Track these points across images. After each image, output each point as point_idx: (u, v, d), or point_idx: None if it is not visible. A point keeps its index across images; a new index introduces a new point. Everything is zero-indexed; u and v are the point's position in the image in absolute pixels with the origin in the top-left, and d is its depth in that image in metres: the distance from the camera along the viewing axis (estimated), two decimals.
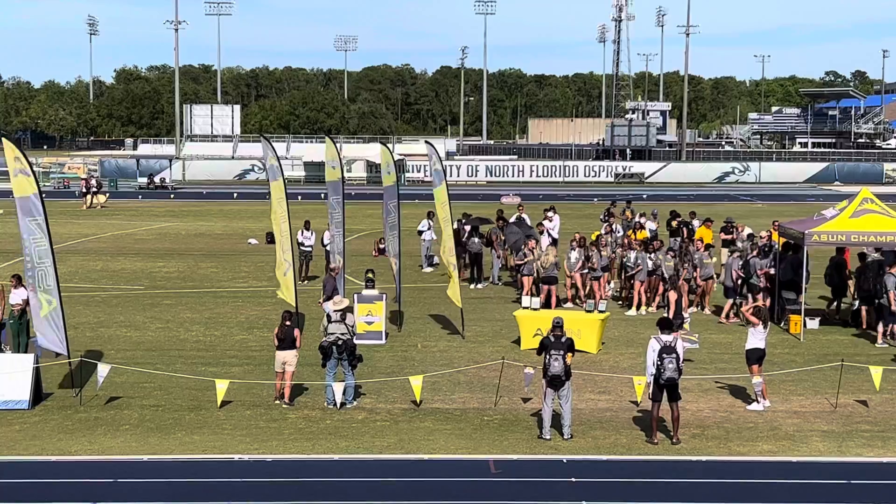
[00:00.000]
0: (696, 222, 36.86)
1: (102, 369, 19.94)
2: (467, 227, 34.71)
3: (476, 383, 21.59)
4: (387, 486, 15.98)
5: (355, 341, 20.36)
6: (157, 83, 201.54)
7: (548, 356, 17.89)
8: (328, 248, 31.60)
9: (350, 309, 21.02)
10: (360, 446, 17.59)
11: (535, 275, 29.31)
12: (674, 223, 37.56)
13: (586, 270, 29.85)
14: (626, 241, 31.68)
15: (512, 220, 36.47)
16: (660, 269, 28.74)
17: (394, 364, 23.31)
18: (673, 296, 25.69)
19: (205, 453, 17.23)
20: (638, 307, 29.11)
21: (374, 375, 21.79)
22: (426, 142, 31.03)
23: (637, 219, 38.16)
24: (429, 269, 36.20)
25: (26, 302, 22.65)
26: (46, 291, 20.70)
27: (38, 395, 20.10)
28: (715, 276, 30.12)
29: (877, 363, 21.78)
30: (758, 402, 19.95)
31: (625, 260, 29.83)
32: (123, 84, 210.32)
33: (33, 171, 20.83)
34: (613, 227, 36.41)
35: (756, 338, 20.11)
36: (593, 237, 33.68)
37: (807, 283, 27.17)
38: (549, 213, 38.03)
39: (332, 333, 19.98)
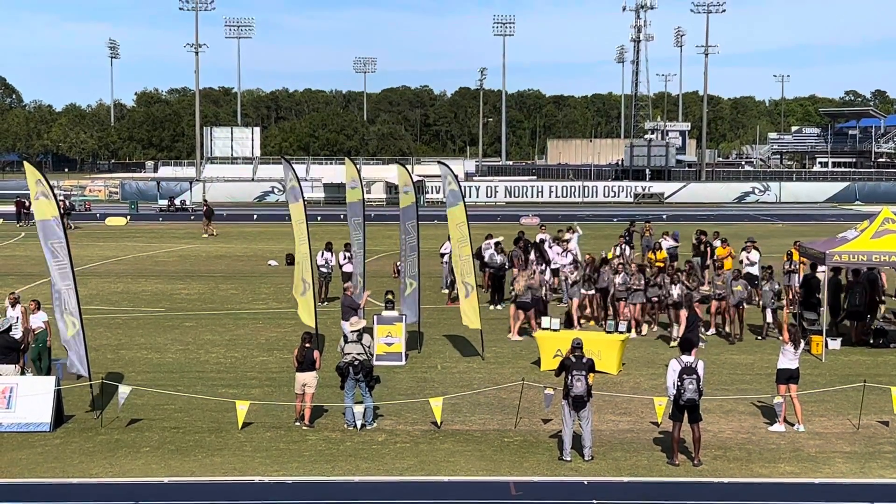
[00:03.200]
0: (717, 242, 36.72)
1: (123, 391, 19.99)
2: (489, 247, 34.77)
3: (496, 405, 21.54)
4: None
5: (374, 362, 20.33)
6: (177, 106, 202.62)
7: (570, 377, 17.86)
8: (344, 268, 31.74)
9: (367, 329, 21.03)
10: (380, 468, 17.57)
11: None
12: (702, 240, 37.44)
13: (593, 291, 29.89)
14: (618, 263, 31.31)
15: (537, 239, 36.56)
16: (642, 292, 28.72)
17: (413, 385, 23.29)
18: (683, 314, 25.55)
19: (225, 475, 17.23)
20: (630, 328, 28.52)
21: (394, 397, 21.78)
22: (439, 162, 31.01)
23: (660, 239, 38.04)
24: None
25: (47, 324, 22.79)
26: (69, 313, 20.80)
27: (59, 418, 20.16)
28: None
29: None
30: (779, 423, 19.82)
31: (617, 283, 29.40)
32: (144, 107, 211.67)
33: (54, 195, 20.95)
34: (622, 248, 36.26)
35: (786, 357, 20.02)
36: (610, 256, 33.64)
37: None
38: (566, 234, 38.01)
39: (348, 354, 19.98)
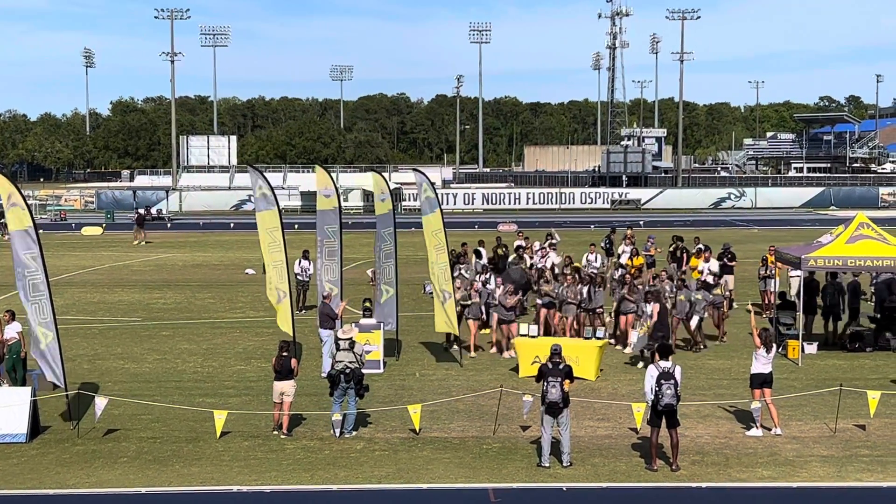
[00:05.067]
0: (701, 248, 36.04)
1: (100, 402, 19.89)
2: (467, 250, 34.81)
3: (474, 411, 21.54)
4: None
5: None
6: (153, 115, 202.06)
7: (546, 383, 17.89)
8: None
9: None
10: (358, 476, 17.54)
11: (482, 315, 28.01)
12: (678, 246, 37.32)
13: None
14: (547, 271, 30.84)
15: (514, 245, 36.61)
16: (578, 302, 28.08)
17: (392, 393, 23.26)
18: (655, 308, 25.44)
19: (203, 485, 17.15)
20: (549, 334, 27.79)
21: (373, 405, 21.73)
22: (415, 170, 30.95)
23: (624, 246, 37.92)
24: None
25: (21, 335, 22.63)
26: (42, 324, 20.65)
27: (35, 428, 20.03)
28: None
29: (875, 387, 21.77)
30: (756, 427, 19.90)
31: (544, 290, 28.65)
32: (120, 116, 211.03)
33: (27, 204, 20.79)
34: (587, 256, 36.10)
35: (759, 362, 20.08)
36: (578, 265, 33.44)
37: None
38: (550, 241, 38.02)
39: (340, 361, 19.91)
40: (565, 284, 28.48)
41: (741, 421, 20.70)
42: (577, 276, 29.07)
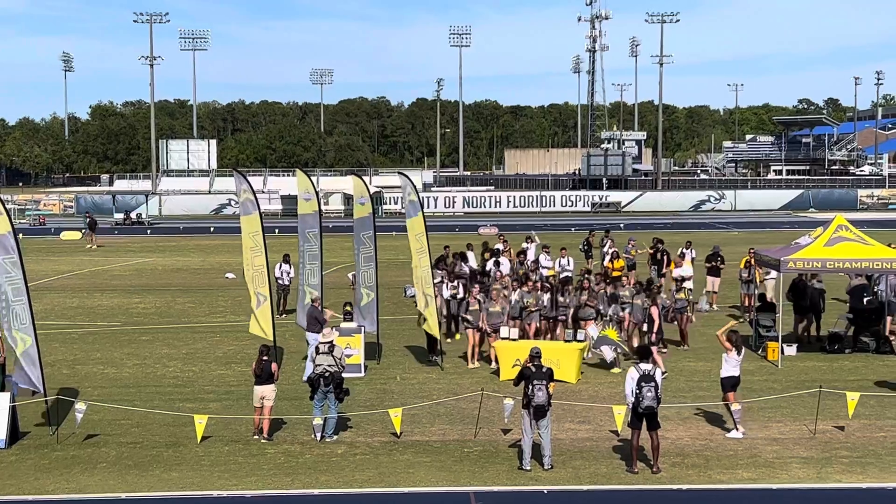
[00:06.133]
0: (688, 251, 35.81)
1: (80, 407, 19.79)
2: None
3: (455, 415, 21.53)
4: None
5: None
6: (132, 119, 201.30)
7: (530, 386, 17.87)
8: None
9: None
10: (339, 480, 17.50)
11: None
12: (659, 248, 37.29)
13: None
14: (523, 280, 30.58)
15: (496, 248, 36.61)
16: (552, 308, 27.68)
17: (373, 397, 23.23)
18: (654, 311, 25.41)
19: (183, 490, 17.09)
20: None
21: (354, 408, 21.71)
22: (399, 173, 30.92)
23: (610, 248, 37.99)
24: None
25: (1, 340, 22.49)
26: (21, 330, 20.54)
27: (14, 434, 19.91)
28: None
29: (854, 389, 21.87)
30: (737, 429, 19.97)
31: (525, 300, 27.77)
32: (99, 120, 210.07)
33: (6, 209, 20.69)
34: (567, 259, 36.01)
35: (730, 365, 20.18)
36: (551, 273, 33.37)
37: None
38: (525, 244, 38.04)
39: (319, 365, 19.89)
40: (526, 291, 28.05)
41: (721, 423, 20.76)
42: (538, 283, 28.85)
